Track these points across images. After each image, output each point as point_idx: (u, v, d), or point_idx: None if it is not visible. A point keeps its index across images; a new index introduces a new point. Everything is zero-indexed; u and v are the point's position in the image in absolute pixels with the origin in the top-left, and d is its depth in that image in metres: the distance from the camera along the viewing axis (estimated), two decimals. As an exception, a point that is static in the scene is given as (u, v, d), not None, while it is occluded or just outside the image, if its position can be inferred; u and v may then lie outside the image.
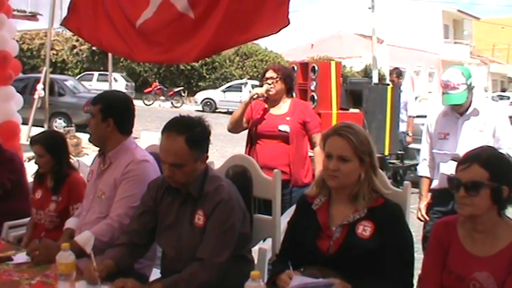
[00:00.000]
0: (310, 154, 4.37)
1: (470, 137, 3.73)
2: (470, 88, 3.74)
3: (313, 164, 4.29)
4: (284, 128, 4.18)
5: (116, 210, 2.87)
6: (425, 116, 4.49)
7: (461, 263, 2.24)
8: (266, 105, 4.32)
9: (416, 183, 3.95)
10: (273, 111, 4.29)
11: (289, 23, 3.24)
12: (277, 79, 4.23)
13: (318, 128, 4.32)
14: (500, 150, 3.20)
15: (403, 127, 8.63)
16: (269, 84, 4.23)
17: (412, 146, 9.12)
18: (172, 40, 3.76)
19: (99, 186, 3.04)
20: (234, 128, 4.43)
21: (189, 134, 2.51)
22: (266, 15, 3.30)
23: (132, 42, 3.96)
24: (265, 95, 4.26)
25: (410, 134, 8.82)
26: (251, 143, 4.36)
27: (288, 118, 4.21)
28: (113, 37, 4.06)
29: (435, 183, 3.96)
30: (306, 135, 4.29)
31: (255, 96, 4.27)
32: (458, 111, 3.83)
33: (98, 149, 3.19)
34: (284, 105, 4.30)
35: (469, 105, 3.80)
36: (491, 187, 2.16)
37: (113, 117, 2.98)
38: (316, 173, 4.16)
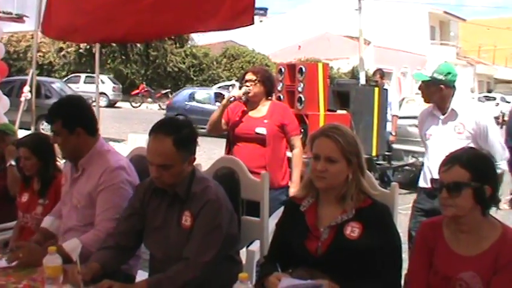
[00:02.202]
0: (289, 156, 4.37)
1: (448, 139, 3.73)
2: (442, 81, 3.75)
3: (291, 166, 4.30)
4: (261, 130, 4.17)
5: (101, 222, 2.82)
6: (412, 117, 4.51)
7: (447, 263, 2.25)
8: (245, 108, 4.32)
9: (404, 184, 3.96)
10: (252, 113, 4.28)
11: (252, 23, 3.10)
12: (256, 81, 4.22)
13: (296, 131, 4.33)
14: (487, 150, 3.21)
15: (388, 127, 8.68)
16: (247, 86, 4.24)
17: (398, 146, 9.15)
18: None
19: (74, 194, 2.98)
20: (212, 130, 4.43)
21: (177, 135, 2.51)
22: (224, 10, 3.17)
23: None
24: (243, 98, 4.26)
25: (394, 134, 8.87)
26: (229, 145, 4.37)
27: (265, 121, 4.20)
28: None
29: (422, 182, 3.96)
30: (284, 138, 4.28)
31: (231, 99, 4.26)
32: (439, 108, 3.84)
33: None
34: (263, 108, 4.28)
35: (449, 106, 3.82)
36: (473, 187, 2.18)
37: (80, 125, 2.92)
38: (293, 175, 4.19)
